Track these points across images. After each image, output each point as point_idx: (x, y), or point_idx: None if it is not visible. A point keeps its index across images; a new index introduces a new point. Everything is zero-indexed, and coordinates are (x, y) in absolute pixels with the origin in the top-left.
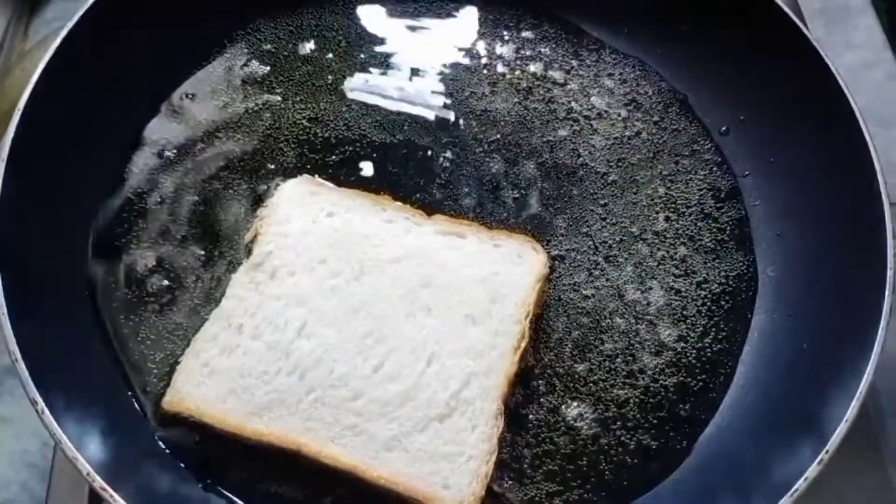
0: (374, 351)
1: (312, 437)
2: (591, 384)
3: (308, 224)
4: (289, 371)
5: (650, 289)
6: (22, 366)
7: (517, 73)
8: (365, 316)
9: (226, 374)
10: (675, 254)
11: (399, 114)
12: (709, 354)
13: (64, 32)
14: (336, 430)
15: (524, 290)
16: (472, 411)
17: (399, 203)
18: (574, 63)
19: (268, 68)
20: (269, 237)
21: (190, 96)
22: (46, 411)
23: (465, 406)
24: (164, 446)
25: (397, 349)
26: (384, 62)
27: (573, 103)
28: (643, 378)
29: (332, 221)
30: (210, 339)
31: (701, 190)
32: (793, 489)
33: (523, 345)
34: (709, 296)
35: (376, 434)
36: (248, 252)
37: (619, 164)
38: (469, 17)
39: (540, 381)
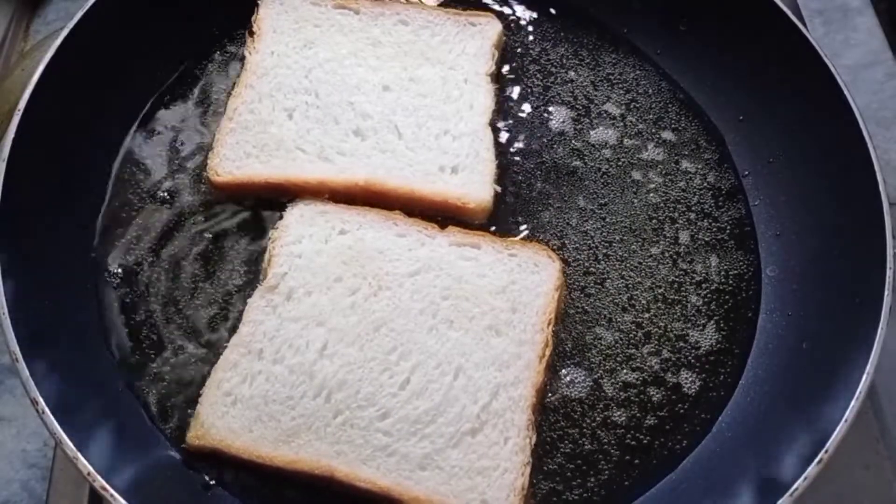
0: (400, 367)
1: (343, 460)
2: (590, 384)
3: (320, 243)
4: (314, 394)
5: (650, 288)
6: (22, 366)
7: None
8: (387, 332)
9: (250, 402)
10: (675, 253)
11: None
12: (709, 354)
13: (64, 32)
14: (367, 452)
15: (544, 298)
16: (503, 423)
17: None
18: (574, 63)
19: None
20: (282, 258)
21: (190, 96)
22: (47, 411)
23: (496, 418)
24: (164, 446)
25: (423, 364)
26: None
27: (573, 103)
28: (643, 377)
29: (345, 239)
30: (230, 367)
31: (701, 190)
32: (793, 489)
33: (548, 353)
34: (709, 296)
35: (409, 453)
36: (263, 275)
37: (619, 163)
38: None
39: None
